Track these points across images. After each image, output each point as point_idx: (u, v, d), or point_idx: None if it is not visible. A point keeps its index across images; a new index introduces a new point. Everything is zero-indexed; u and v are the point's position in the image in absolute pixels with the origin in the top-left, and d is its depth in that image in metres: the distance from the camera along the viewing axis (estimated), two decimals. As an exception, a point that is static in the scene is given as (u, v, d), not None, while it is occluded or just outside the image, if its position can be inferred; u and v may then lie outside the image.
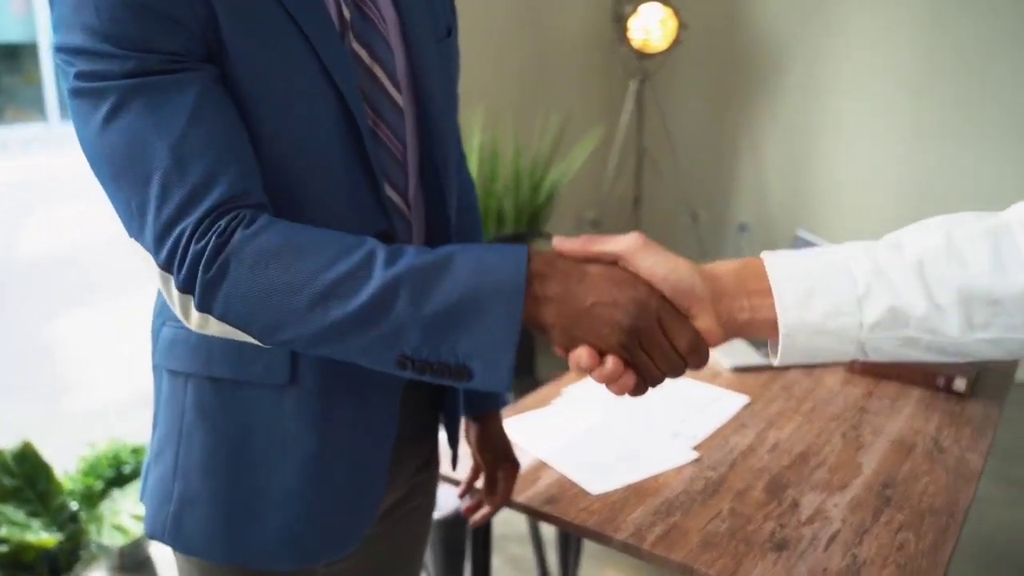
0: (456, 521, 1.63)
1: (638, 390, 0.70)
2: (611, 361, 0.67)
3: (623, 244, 0.69)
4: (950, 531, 1.14)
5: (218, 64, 0.71)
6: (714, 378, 1.65)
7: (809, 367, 1.69)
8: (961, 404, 1.53)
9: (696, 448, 1.36)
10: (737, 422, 1.46)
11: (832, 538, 1.12)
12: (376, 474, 0.88)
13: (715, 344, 0.70)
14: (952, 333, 0.63)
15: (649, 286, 0.68)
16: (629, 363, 0.68)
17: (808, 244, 2.04)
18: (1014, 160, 3.31)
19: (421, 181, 0.87)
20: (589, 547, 2.14)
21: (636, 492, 1.23)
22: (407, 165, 0.85)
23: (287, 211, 0.74)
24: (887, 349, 0.66)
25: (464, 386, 0.68)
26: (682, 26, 3.49)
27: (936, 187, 3.49)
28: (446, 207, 0.89)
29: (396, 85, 0.82)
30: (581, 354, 0.68)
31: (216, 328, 0.70)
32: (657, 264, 0.68)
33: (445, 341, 0.66)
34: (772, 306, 0.66)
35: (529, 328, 0.69)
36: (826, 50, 3.65)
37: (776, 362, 0.69)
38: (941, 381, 1.57)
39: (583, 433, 1.41)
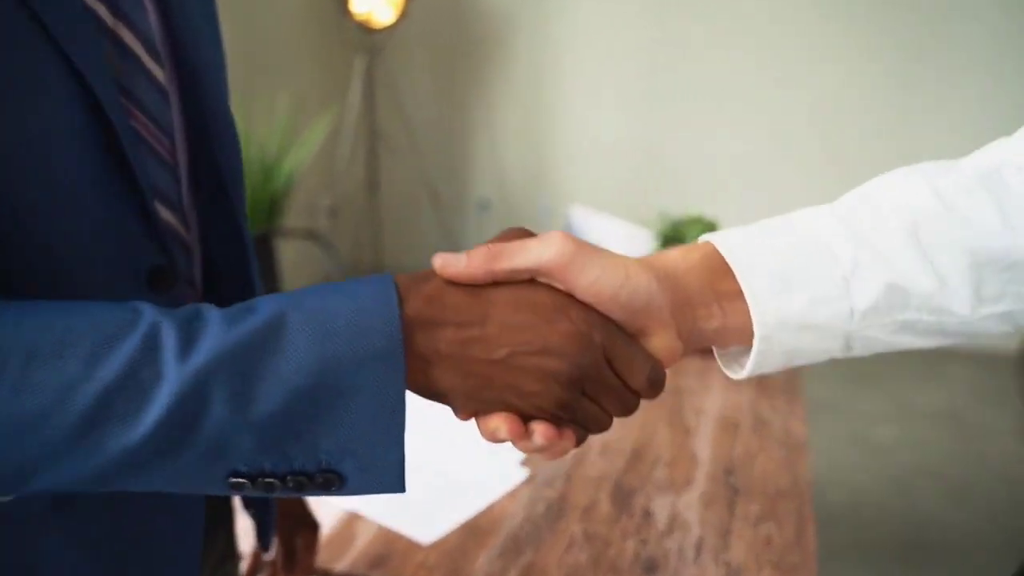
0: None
1: (578, 444, 0.50)
2: (542, 431, 0.47)
3: (546, 254, 0.47)
4: (805, 512, 1.08)
5: None
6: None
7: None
8: (762, 370, 1.51)
9: (524, 464, 1.20)
10: (557, 424, 1.32)
11: (698, 546, 1.01)
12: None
13: (672, 364, 0.51)
14: (961, 310, 0.50)
15: (588, 309, 0.47)
16: (567, 420, 0.48)
17: (583, 220, 1.96)
18: (750, 112, 3.49)
19: (195, 187, 0.61)
20: None
21: (473, 531, 1.04)
22: (178, 168, 0.57)
23: (15, 269, 0.46)
24: (879, 339, 0.51)
25: (335, 495, 0.45)
26: (407, -3, 3.30)
27: (670, 145, 3.61)
28: (235, 218, 0.62)
29: (154, 56, 0.54)
30: (498, 426, 0.47)
31: None
32: (603, 278, 0.47)
33: (297, 442, 0.43)
34: (748, 310, 0.49)
35: (418, 395, 0.47)
36: (554, 13, 3.64)
37: (743, 375, 0.52)
38: (739, 349, 1.55)
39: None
